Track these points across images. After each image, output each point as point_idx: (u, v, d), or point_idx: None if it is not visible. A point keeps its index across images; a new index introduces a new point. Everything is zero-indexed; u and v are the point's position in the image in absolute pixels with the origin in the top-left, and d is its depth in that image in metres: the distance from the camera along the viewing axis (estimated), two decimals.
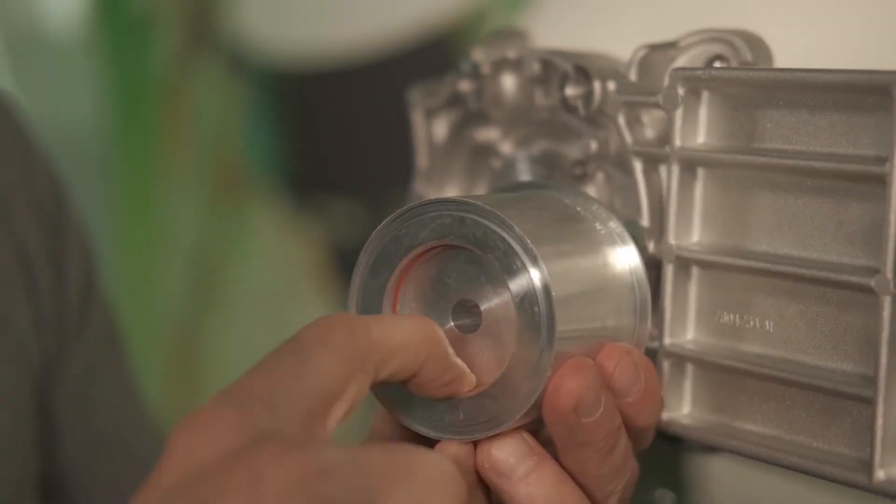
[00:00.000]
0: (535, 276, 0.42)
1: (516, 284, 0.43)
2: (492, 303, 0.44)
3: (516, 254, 0.43)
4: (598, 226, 0.48)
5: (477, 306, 0.45)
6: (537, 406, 0.43)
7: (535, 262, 0.42)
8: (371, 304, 0.45)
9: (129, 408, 0.72)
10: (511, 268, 0.43)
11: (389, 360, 0.41)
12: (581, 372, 0.43)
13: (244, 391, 0.37)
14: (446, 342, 0.43)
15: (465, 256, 0.44)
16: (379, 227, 0.45)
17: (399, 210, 0.44)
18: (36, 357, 0.66)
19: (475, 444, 0.44)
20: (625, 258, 0.47)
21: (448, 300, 0.45)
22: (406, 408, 0.45)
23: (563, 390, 0.42)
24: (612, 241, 0.47)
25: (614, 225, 0.48)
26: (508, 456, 0.44)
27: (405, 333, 0.41)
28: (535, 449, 0.44)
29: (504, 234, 0.43)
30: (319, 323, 0.40)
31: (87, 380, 0.69)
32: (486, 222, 0.43)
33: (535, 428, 0.45)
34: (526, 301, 0.43)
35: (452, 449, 0.44)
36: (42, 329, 0.67)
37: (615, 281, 0.47)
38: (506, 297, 0.44)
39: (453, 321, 0.45)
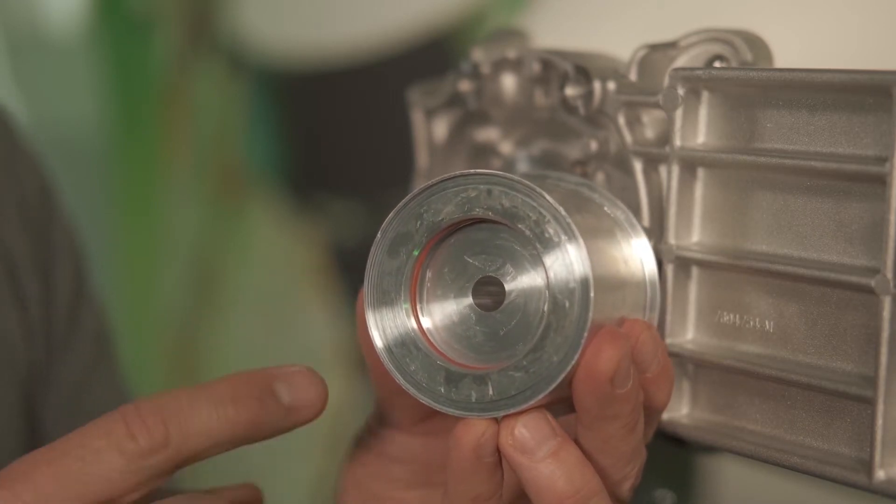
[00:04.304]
0: (571, 247, 0.42)
1: (550, 255, 0.42)
2: (517, 277, 0.44)
3: (549, 222, 0.42)
4: (606, 208, 0.48)
5: (499, 282, 0.44)
6: (568, 379, 0.43)
7: (569, 231, 0.42)
8: (389, 286, 0.45)
9: None
10: (543, 237, 0.42)
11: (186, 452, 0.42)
12: (618, 341, 0.43)
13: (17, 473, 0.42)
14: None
15: (487, 233, 0.44)
16: (398, 206, 0.44)
17: (421, 186, 0.44)
18: (23, 366, 0.65)
19: (499, 422, 0.44)
20: (638, 242, 0.48)
21: (468, 278, 0.45)
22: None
23: (603, 357, 0.42)
24: (623, 224, 0.48)
25: (622, 211, 0.48)
26: (533, 434, 0.43)
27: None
28: (558, 430, 0.44)
29: (535, 203, 0.42)
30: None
31: (77, 388, 0.69)
32: (515, 192, 0.43)
33: (554, 412, 0.45)
34: (561, 271, 0.42)
35: (480, 427, 0.44)
36: (30, 337, 0.66)
37: (631, 259, 0.47)
38: (535, 268, 0.43)
39: (474, 299, 0.45)
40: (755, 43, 0.48)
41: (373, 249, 0.45)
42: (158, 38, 2.03)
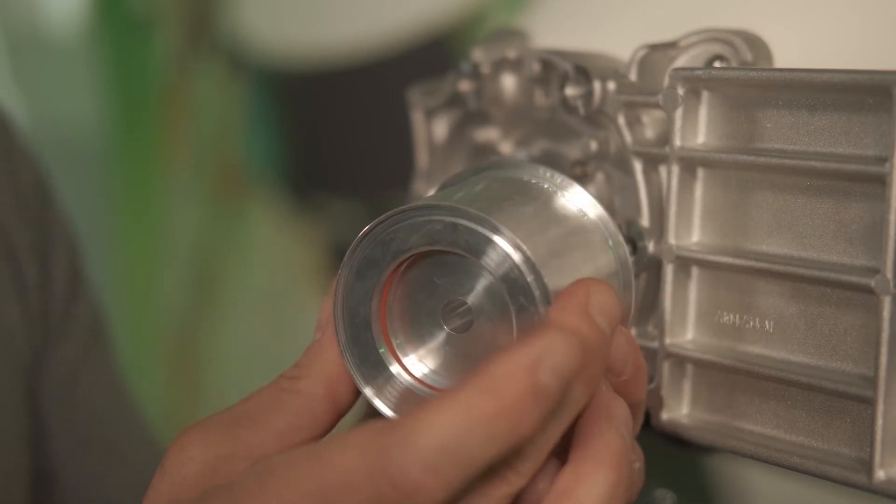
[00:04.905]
0: (518, 259, 0.42)
1: (497, 267, 0.43)
2: (478, 294, 0.44)
3: (513, 261, 0.42)
4: (572, 206, 0.47)
5: (465, 304, 0.44)
6: None
7: (519, 251, 0.42)
8: (358, 306, 0.45)
9: (116, 404, 0.72)
10: (501, 267, 0.43)
11: None
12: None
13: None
14: None
15: (456, 258, 0.44)
16: (364, 230, 0.44)
17: (386, 214, 0.44)
18: (23, 351, 0.66)
19: None
20: (596, 224, 0.47)
21: (438, 300, 0.45)
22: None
23: None
24: (580, 210, 0.47)
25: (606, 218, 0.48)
26: None
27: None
28: None
29: (496, 239, 0.42)
30: None
31: (71, 375, 0.69)
32: (479, 228, 0.43)
33: None
34: (510, 276, 0.42)
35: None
36: (29, 324, 0.67)
37: (594, 246, 0.47)
38: (489, 279, 0.44)
39: (447, 327, 0.45)
40: (755, 43, 0.48)
41: (340, 272, 0.45)
42: (158, 38, 2.03)
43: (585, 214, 0.47)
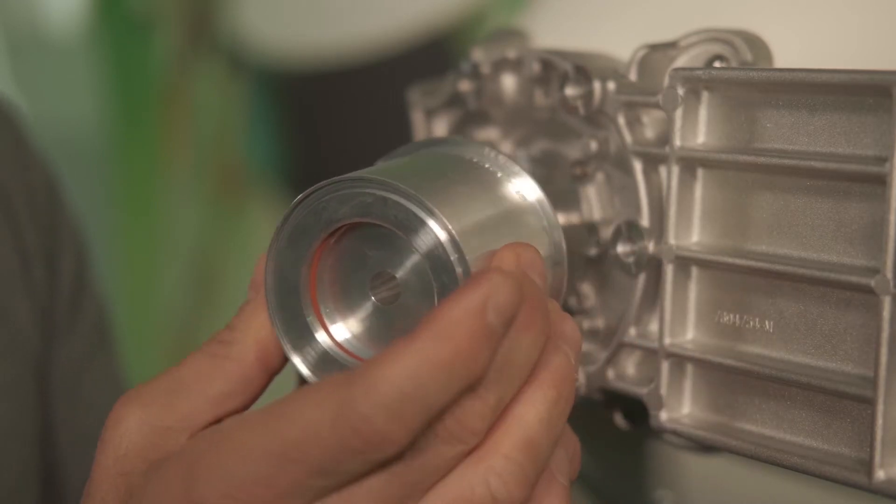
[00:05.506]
0: (443, 238, 0.43)
1: (424, 244, 0.43)
2: (406, 268, 0.45)
3: (438, 239, 0.43)
4: (511, 188, 0.48)
5: (393, 276, 0.45)
6: None
7: (445, 229, 0.43)
8: (289, 274, 0.45)
9: None
10: (427, 244, 0.43)
11: None
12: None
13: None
14: None
15: (387, 231, 0.44)
16: (298, 198, 0.44)
17: (320, 183, 0.44)
18: (35, 349, 0.66)
19: None
20: (533, 207, 0.48)
21: (368, 271, 0.45)
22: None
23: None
24: (518, 193, 0.48)
25: (525, 181, 0.48)
26: None
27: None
28: None
29: (423, 217, 0.43)
30: None
31: (74, 375, 0.70)
32: (409, 205, 0.43)
33: None
34: (434, 253, 0.43)
35: None
36: (39, 322, 0.67)
37: (527, 228, 0.47)
38: (416, 255, 0.44)
39: (373, 296, 0.45)
40: (755, 43, 0.48)
41: (272, 239, 0.45)
42: (158, 38, 2.03)
43: (524, 198, 0.48)
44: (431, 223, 0.43)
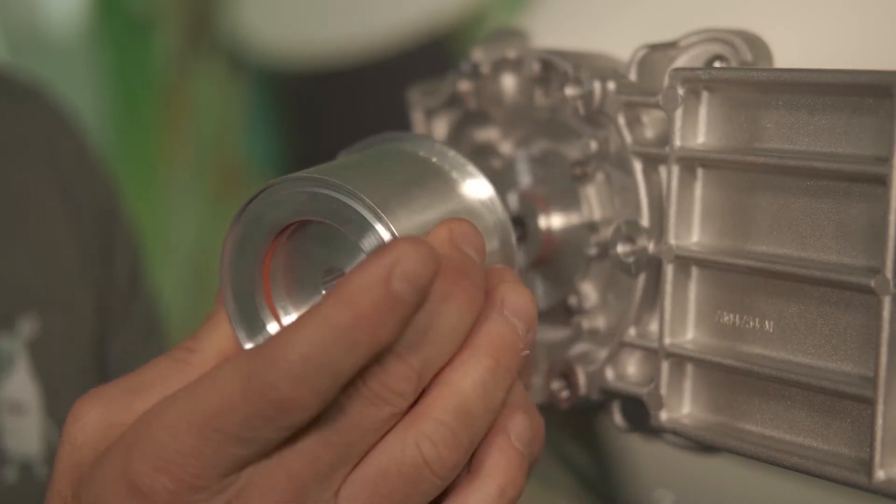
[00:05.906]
0: (383, 232, 0.43)
1: (368, 244, 0.43)
2: (352, 262, 0.45)
3: (368, 223, 0.43)
4: (454, 175, 0.48)
5: (342, 271, 0.45)
6: None
7: (382, 222, 0.43)
8: (243, 284, 0.46)
9: None
10: (363, 235, 0.43)
11: None
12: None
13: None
14: None
15: (328, 227, 0.45)
16: (238, 210, 0.45)
17: (256, 191, 0.45)
18: (95, 339, 0.71)
19: None
20: (476, 193, 0.48)
21: (318, 267, 0.46)
22: None
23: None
24: (465, 185, 0.48)
25: (471, 169, 0.48)
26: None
27: None
28: None
29: (355, 206, 0.43)
30: None
31: (128, 363, 0.73)
32: (338, 195, 0.43)
33: None
34: (369, 239, 0.43)
35: None
36: (97, 315, 0.72)
37: (463, 201, 0.47)
38: (359, 251, 0.44)
39: (324, 290, 0.46)
40: (755, 43, 0.48)
41: (222, 252, 0.46)
42: (158, 38, 2.03)
43: (472, 193, 0.48)
44: (367, 215, 0.43)
